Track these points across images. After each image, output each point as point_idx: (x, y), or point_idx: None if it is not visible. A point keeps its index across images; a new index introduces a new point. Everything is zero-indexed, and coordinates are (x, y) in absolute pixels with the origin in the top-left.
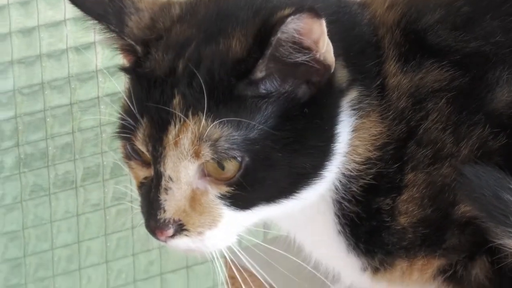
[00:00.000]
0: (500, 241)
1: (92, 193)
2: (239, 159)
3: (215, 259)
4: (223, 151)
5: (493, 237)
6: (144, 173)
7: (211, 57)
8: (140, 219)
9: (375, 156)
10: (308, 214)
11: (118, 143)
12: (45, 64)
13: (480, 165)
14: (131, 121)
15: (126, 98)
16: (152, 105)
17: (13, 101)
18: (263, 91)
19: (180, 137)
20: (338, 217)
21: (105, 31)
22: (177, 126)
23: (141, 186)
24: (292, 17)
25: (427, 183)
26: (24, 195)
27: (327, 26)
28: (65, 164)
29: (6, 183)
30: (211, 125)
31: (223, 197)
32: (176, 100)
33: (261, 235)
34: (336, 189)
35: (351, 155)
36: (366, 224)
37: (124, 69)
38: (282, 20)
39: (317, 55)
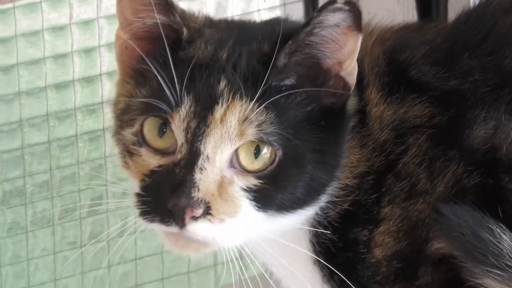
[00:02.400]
0: (479, 281)
1: (69, 231)
2: (275, 147)
3: None
4: (266, 134)
5: (471, 276)
6: (158, 161)
7: (248, 54)
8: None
9: (352, 183)
10: (286, 244)
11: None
12: (24, 102)
13: (459, 204)
14: (171, 99)
15: (158, 79)
16: (199, 85)
17: None
18: (288, 83)
19: (227, 115)
20: (313, 244)
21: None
22: (224, 105)
23: (152, 174)
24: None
25: (403, 218)
26: (1, 232)
27: None
28: (43, 202)
29: None
30: (258, 109)
31: (248, 190)
32: (223, 83)
33: (237, 274)
34: (316, 214)
35: None
36: (341, 255)
37: (149, 53)
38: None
39: (341, 71)
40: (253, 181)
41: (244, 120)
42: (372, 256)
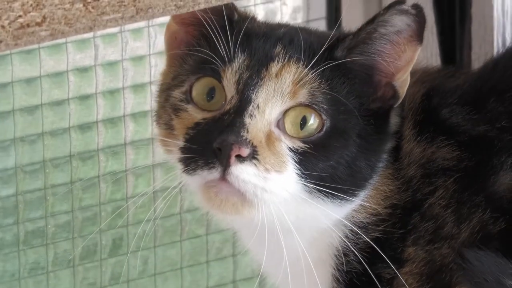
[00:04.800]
0: None
1: (89, 272)
2: (324, 117)
3: None
4: (317, 100)
5: None
6: (203, 115)
7: (306, 35)
8: None
9: (384, 212)
10: (306, 265)
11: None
12: (47, 142)
13: (483, 250)
14: (224, 56)
15: (211, 46)
16: (255, 44)
17: (14, 178)
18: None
19: (283, 72)
20: (339, 271)
21: None
22: (279, 64)
23: (197, 125)
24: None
25: (427, 261)
26: (23, 273)
27: None
28: (64, 242)
29: (5, 260)
30: (312, 75)
31: (294, 150)
32: (279, 48)
33: None
34: (347, 237)
35: (363, 205)
36: None
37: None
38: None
39: (393, 80)
40: (299, 144)
41: (299, 81)
42: None
